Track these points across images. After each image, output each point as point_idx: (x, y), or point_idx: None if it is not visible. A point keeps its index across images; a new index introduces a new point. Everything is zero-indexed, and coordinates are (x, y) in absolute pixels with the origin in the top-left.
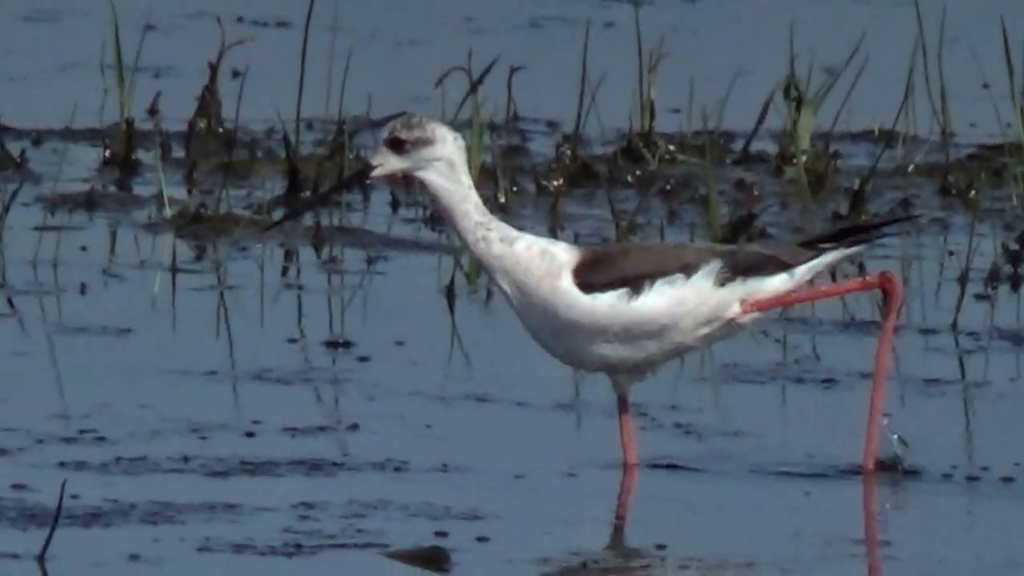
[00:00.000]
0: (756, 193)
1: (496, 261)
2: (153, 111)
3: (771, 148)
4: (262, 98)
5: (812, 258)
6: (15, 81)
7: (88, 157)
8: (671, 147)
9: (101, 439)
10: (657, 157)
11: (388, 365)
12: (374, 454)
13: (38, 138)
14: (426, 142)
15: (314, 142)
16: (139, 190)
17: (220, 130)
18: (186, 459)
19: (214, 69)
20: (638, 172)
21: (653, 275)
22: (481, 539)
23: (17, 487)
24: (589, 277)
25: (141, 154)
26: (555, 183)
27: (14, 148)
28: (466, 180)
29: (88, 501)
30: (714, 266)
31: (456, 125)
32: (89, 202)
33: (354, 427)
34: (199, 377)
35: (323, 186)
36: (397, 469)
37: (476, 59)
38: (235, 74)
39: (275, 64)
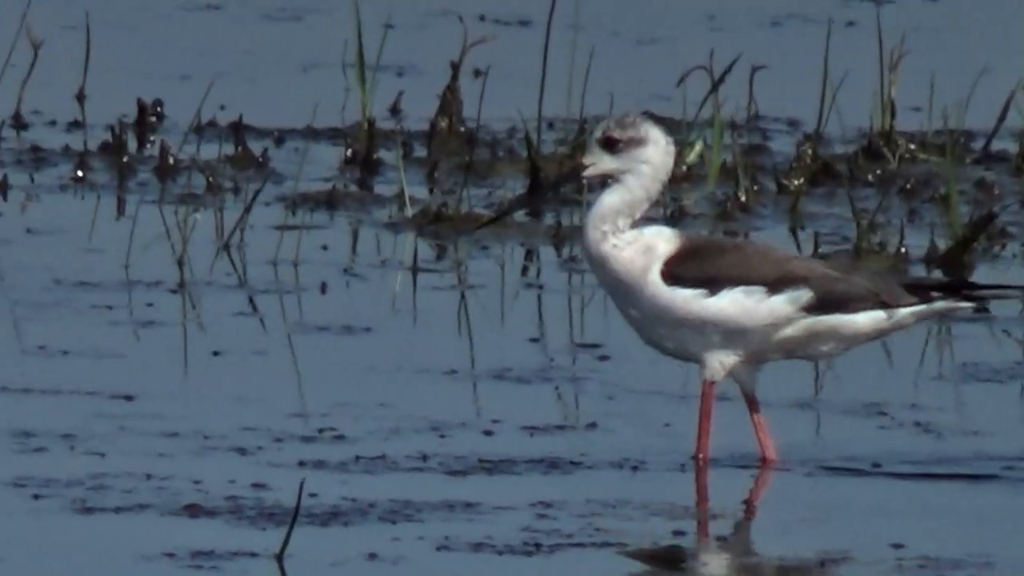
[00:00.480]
0: (996, 192)
1: (601, 260)
2: (395, 110)
3: (1012, 147)
4: (503, 97)
5: (916, 304)
6: (257, 81)
7: (329, 156)
8: (911, 146)
9: (340, 438)
10: (897, 156)
11: (628, 364)
12: (612, 453)
13: (280, 137)
14: (639, 142)
15: (555, 141)
16: (380, 189)
17: (461, 129)
18: (425, 458)
19: (456, 68)
20: (878, 171)
21: (735, 280)
22: (719, 538)
23: (257, 486)
24: (676, 269)
25: (382, 153)
26: (795, 182)
27: (256, 147)
28: (657, 189)
29: (327, 500)
30: (801, 294)
31: (697, 124)
32: (330, 201)
33: (593, 426)
34: (439, 376)
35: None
36: (635, 468)
37: (717, 58)
38: (477, 73)
39: (517, 63)
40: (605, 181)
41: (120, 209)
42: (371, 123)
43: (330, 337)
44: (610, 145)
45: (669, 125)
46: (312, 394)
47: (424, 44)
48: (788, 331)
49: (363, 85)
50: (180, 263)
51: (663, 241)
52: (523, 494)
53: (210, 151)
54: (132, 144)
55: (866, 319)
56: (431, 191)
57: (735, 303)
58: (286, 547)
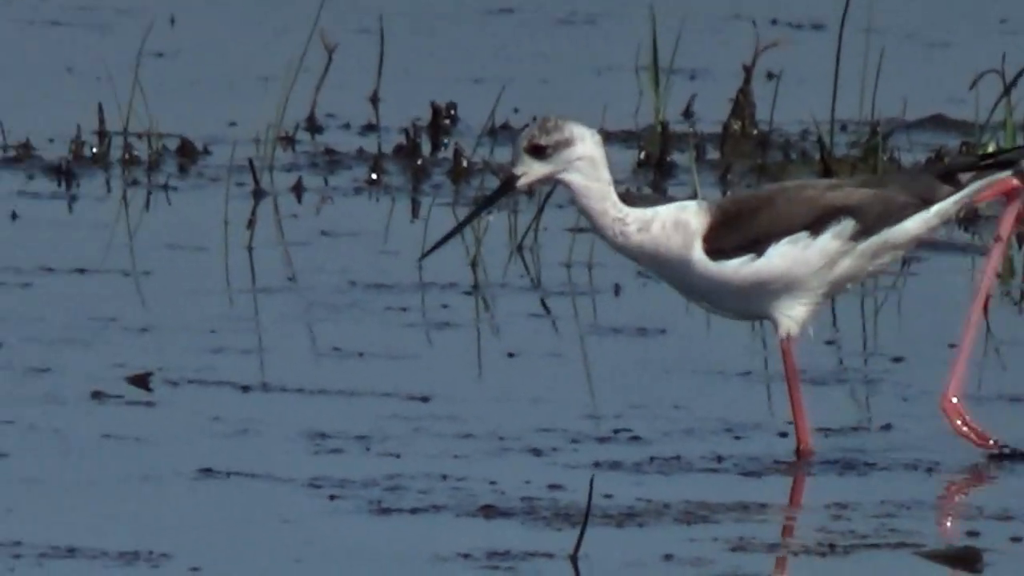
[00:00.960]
0: None
1: (638, 250)
2: (687, 113)
3: None
4: (796, 100)
5: (952, 192)
6: (550, 84)
7: (622, 159)
8: None
9: (635, 439)
10: None
11: (923, 366)
12: (906, 454)
13: None
14: (566, 143)
15: (848, 144)
16: (673, 191)
17: (754, 132)
18: (720, 459)
19: (748, 71)
20: None
21: (778, 235)
22: (1014, 539)
23: (552, 487)
24: (716, 242)
25: (675, 156)
26: None
27: None
28: (606, 176)
29: (622, 501)
30: (845, 226)
31: (989, 127)
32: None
33: (887, 427)
34: (733, 377)
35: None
36: (929, 470)
37: (1010, 61)
38: (769, 76)
39: (809, 66)
40: (551, 187)
41: (414, 211)
42: (664, 126)
43: (624, 339)
44: (538, 152)
45: (962, 128)
46: (606, 395)
47: (717, 48)
48: (846, 263)
49: (656, 88)
50: (474, 265)
51: (693, 216)
52: (818, 495)
53: (503, 154)
54: (426, 147)
55: (915, 223)
56: (724, 194)
57: (784, 257)
58: (579, 547)
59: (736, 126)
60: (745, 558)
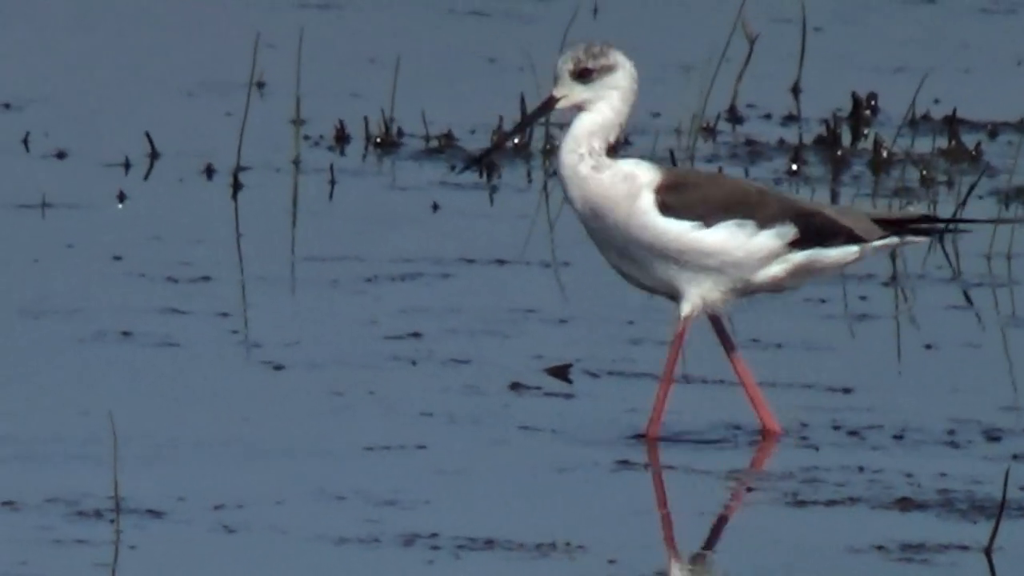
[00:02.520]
0: None
1: (579, 182)
2: None
3: None
4: None
5: (883, 237)
6: (972, 73)
7: None
8: None
9: None
10: None
11: None
12: None
13: (994, 131)
14: (610, 69)
15: None
16: None
17: None
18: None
19: None
20: None
21: (730, 212)
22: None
23: (968, 480)
24: (668, 199)
25: None
26: None
27: (969, 140)
28: (625, 113)
29: None
30: (787, 230)
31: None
32: None
33: None
34: None
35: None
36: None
37: None
38: None
39: None
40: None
41: (834, 202)
42: None
43: None
44: (584, 75)
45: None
46: None
47: None
48: (773, 265)
49: None
50: (892, 257)
51: (643, 171)
52: None
53: (923, 144)
54: (846, 137)
55: (839, 253)
56: None
57: (731, 236)
58: (994, 540)
59: None
60: None
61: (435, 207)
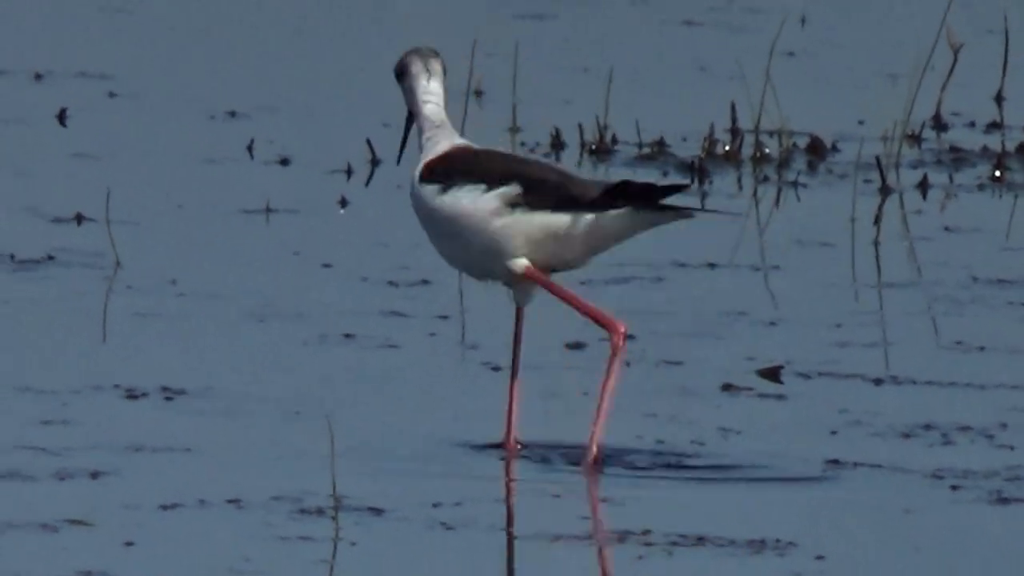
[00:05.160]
0: None
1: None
2: None
3: None
4: None
5: (600, 210)
6: None
7: None
8: None
9: None
10: None
11: None
12: None
13: None
14: (403, 73)
15: None
16: None
17: None
18: None
19: None
20: None
21: (466, 178)
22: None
23: None
24: (432, 169)
25: None
26: None
27: None
28: (420, 101)
29: None
30: (509, 189)
31: None
32: None
33: None
34: None
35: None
36: None
37: None
38: None
39: None
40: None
41: None
42: None
43: None
44: (400, 80)
45: None
46: None
47: None
48: (499, 226)
49: None
50: None
51: (445, 147)
52: None
53: None
54: None
55: (568, 219)
56: None
57: (457, 199)
58: None
59: None
60: None
61: None
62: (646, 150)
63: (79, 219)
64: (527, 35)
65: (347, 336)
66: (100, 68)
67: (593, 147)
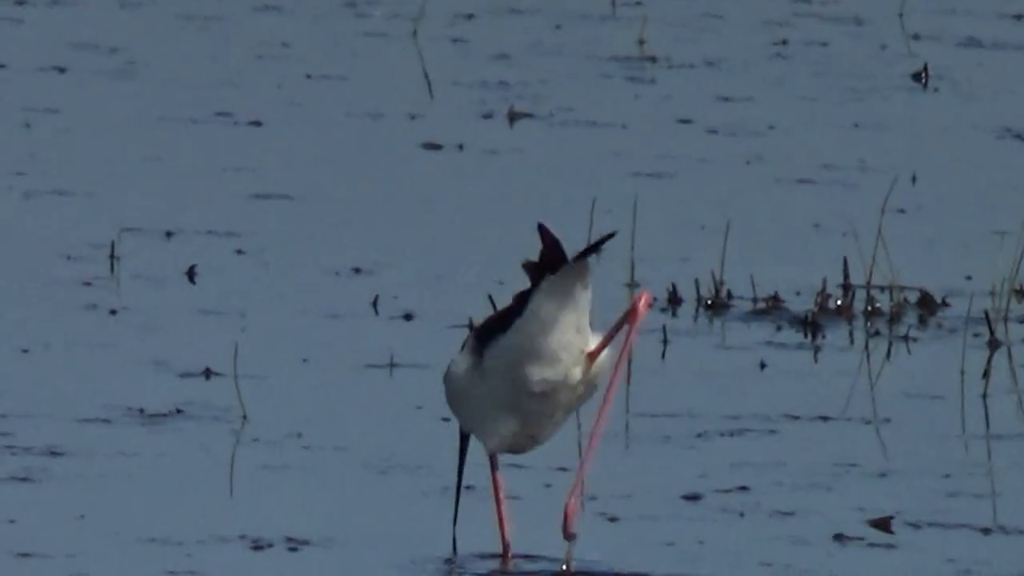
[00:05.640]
0: None
1: None
2: None
3: None
4: None
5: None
6: None
7: None
8: None
9: None
10: None
11: None
12: None
13: None
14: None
15: None
16: None
17: None
18: None
19: None
20: None
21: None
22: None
23: None
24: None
25: None
26: None
27: None
28: None
29: None
30: (468, 339)
31: None
32: None
33: None
34: None
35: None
36: None
37: None
38: None
39: None
40: None
41: None
42: None
43: None
44: None
45: None
46: None
47: None
48: (473, 384)
49: None
50: None
51: None
52: None
53: None
54: None
55: (515, 332)
56: None
57: (453, 364)
58: None
59: None
60: None
61: (762, 365)
62: (760, 305)
63: (207, 374)
64: (644, 192)
65: (468, 488)
66: (227, 226)
67: (709, 302)
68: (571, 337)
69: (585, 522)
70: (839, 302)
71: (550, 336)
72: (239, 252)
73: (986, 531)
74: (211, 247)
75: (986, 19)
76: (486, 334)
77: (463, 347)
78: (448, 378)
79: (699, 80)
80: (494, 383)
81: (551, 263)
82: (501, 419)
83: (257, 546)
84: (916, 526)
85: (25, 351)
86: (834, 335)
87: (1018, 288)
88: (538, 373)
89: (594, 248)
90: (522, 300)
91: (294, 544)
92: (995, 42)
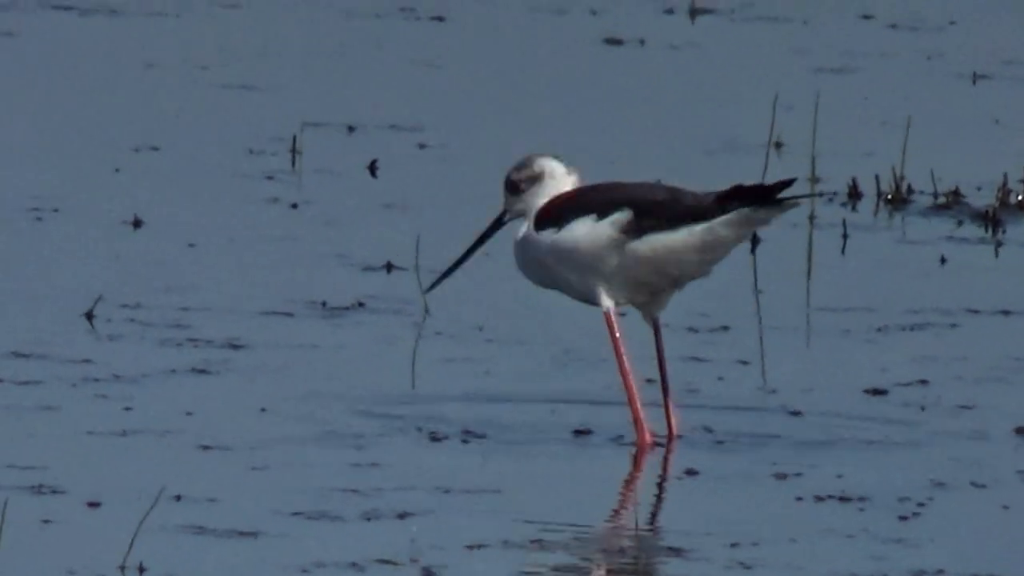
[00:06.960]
0: None
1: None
2: None
3: None
4: None
5: (716, 216)
6: None
7: None
8: None
9: None
10: None
11: None
12: None
13: None
14: (535, 178)
15: None
16: None
17: None
18: None
19: None
20: None
21: (577, 212)
22: None
23: None
24: (542, 217)
25: None
26: None
27: None
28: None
29: None
30: (621, 215)
31: None
32: None
33: None
34: None
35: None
36: None
37: None
38: None
39: None
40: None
41: None
42: None
43: None
44: (514, 188)
45: None
46: None
47: None
48: (616, 255)
49: None
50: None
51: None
52: None
53: None
54: None
55: (681, 235)
56: None
57: (571, 231)
58: None
59: None
60: None
61: (943, 260)
62: (941, 200)
63: (389, 267)
64: (827, 88)
65: (648, 381)
66: (410, 120)
67: (889, 197)
68: (721, 255)
69: (768, 415)
70: (1020, 197)
71: (712, 254)
72: (421, 146)
73: None
74: (393, 141)
75: None
76: (649, 224)
77: (599, 215)
78: (567, 243)
79: None
80: (635, 261)
81: (761, 193)
82: (628, 286)
83: (436, 438)
84: None
85: (207, 244)
86: (1015, 230)
87: None
88: (681, 268)
89: (792, 200)
90: (697, 207)
91: (467, 436)
92: None
